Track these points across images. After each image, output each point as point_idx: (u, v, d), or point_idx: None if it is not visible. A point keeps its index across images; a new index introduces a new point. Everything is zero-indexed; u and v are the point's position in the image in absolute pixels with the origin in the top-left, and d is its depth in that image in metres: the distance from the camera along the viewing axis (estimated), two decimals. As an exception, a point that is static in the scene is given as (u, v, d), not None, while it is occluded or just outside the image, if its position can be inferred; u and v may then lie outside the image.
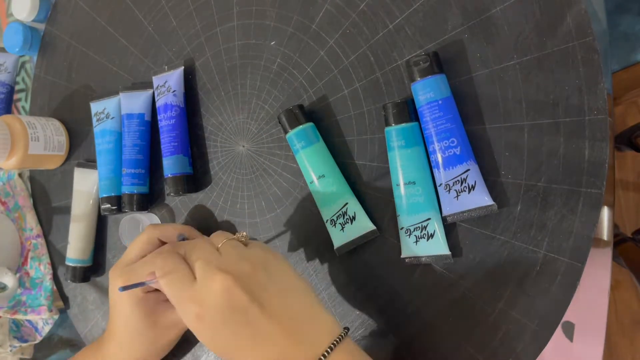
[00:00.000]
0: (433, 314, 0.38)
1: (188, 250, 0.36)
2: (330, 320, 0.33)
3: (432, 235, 0.37)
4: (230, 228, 0.48)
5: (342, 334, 0.32)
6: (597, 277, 0.37)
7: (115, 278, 0.39)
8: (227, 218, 0.48)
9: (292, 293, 0.33)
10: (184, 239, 0.42)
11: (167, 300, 0.41)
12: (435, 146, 0.36)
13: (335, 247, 0.41)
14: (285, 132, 0.42)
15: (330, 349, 0.31)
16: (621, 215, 1.08)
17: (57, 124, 0.58)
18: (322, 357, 0.30)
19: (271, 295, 0.32)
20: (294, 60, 0.45)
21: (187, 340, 0.48)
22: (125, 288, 0.35)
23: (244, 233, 0.37)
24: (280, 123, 0.42)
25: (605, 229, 0.38)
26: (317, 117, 0.43)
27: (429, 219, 0.37)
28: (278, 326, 0.31)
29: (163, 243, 0.42)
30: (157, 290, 0.41)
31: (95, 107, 0.53)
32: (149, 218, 0.51)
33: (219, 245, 0.35)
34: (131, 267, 0.39)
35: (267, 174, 0.46)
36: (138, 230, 0.51)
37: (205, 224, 0.49)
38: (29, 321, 0.62)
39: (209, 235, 0.40)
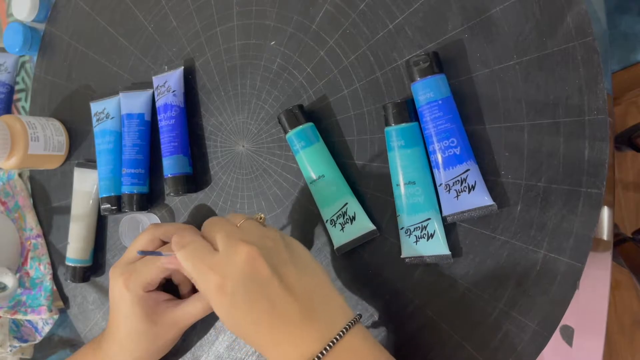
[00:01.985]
0: (433, 313, 0.38)
1: (206, 226, 0.36)
2: (345, 304, 0.34)
3: (432, 235, 0.37)
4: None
5: (356, 317, 0.33)
6: (597, 277, 0.37)
7: (116, 277, 0.39)
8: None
9: (310, 273, 0.33)
10: None
11: (167, 300, 0.41)
12: (435, 146, 0.36)
13: (335, 247, 0.41)
14: (285, 132, 0.42)
15: (346, 330, 0.31)
16: (621, 215, 1.08)
17: (57, 124, 0.58)
18: (336, 337, 0.30)
19: (291, 272, 0.32)
20: (294, 60, 0.45)
21: (187, 341, 0.48)
22: (144, 253, 0.35)
23: (262, 215, 0.37)
24: (280, 123, 0.42)
25: (605, 229, 0.38)
26: (317, 117, 0.43)
27: (429, 219, 0.37)
28: (296, 303, 0.31)
29: (164, 243, 0.42)
30: (157, 289, 0.41)
31: (95, 107, 0.53)
32: (149, 218, 0.51)
33: (239, 224, 0.35)
34: (133, 265, 0.39)
35: (267, 174, 0.46)
36: (138, 230, 0.51)
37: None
38: (29, 321, 0.62)
39: None
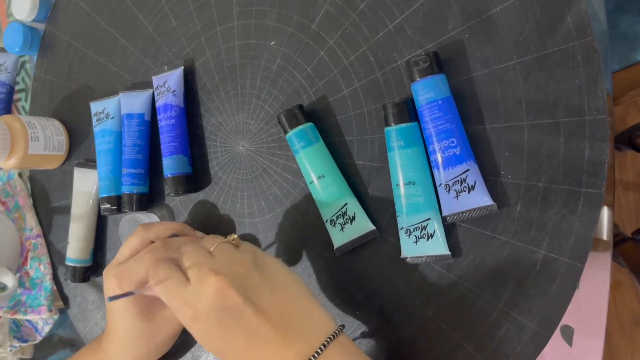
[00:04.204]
0: (433, 313, 0.38)
1: (181, 254, 0.36)
2: (325, 317, 0.33)
3: (432, 235, 0.37)
4: (230, 227, 0.48)
5: (337, 331, 0.32)
6: (597, 276, 0.37)
7: (109, 278, 0.39)
8: (226, 218, 0.48)
9: (285, 292, 0.34)
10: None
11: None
12: (435, 146, 0.36)
13: (335, 247, 0.41)
14: (285, 132, 0.42)
15: (324, 346, 0.31)
16: (621, 215, 1.08)
17: (57, 124, 0.58)
18: (315, 355, 0.31)
19: (264, 295, 0.33)
20: (294, 60, 0.45)
21: (187, 341, 0.48)
22: (113, 298, 0.36)
23: (235, 235, 0.37)
24: (280, 123, 0.42)
25: (605, 229, 0.38)
26: (317, 117, 0.43)
27: (428, 219, 0.37)
28: (271, 325, 0.31)
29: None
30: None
31: (95, 107, 0.53)
32: (148, 218, 0.51)
33: (211, 249, 0.35)
34: (125, 265, 0.39)
35: (267, 174, 0.46)
36: (138, 230, 0.51)
37: (205, 224, 0.49)
38: (29, 321, 0.62)
39: (205, 232, 0.40)
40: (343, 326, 0.33)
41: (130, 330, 0.40)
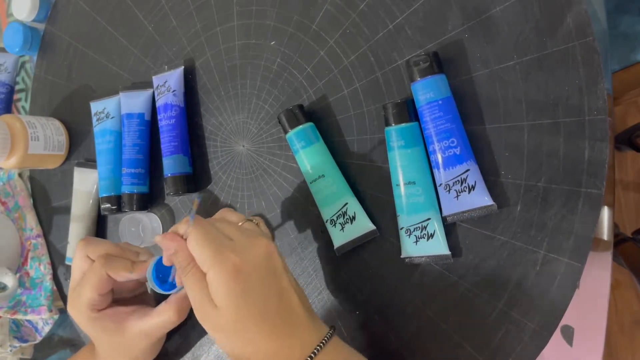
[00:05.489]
0: (433, 313, 0.38)
1: (215, 220, 0.36)
2: (317, 322, 0.35)
3: (432, 235, 0.37)
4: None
5: (328, 335, 0.33)
6: (597, 277, 0.37)
7: (69, 302, 0.39)
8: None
9: (297, 287, 0.35)
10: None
11: (132, 311, 0.40)
12: (435, 146, 0.36)
13: (335, 247, 0.41)
14: (285, 132, 0.42)
15: (326, 340, 0.33)
16: (621, 215, 1.08)
17: (57, 123, 0.58)
18: (327, 338, 0.33)
19: (290, 277, 0.35)
20: (294, 60, 0.45)
21: (187, 341, 0.48)
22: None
23: (258, 218, 0.39)
24: (280, 123, 0.42)
25: (605, 229, 0.38)
26: (317, 117, 0.43)
27: (429, 219, 0.37)
28: (300, 304, 0.33)
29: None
30: (113, 305, 0.40)
31: (95, 106, 0.53)
32: (148, 218, 0.51)
33: (240, 224, 0.36)
34: (77, 287, 0.39)
35: (267, 174, 0.46)
36: (138, 230, 0.51)
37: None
38: (29, 321, 0.62)
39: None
40: (334, 327, 0.35)
41: (105, 344, 0.40)
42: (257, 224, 0.38)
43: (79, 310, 0.38)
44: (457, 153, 0.35)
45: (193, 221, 0.33)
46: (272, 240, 0.35)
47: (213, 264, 0.31)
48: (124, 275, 0.38)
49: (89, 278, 0.38)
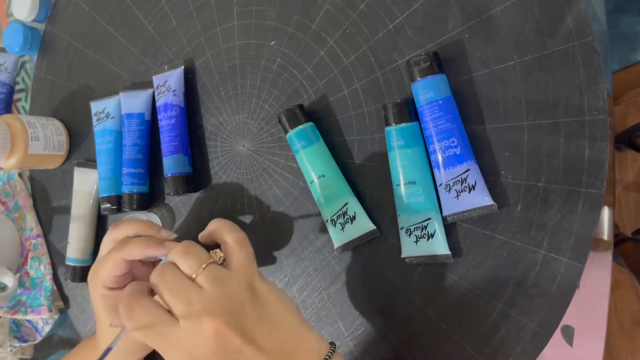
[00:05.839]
0: (433, 314, 0.38)
1: (158, 281, 0.32)
2: (316, 339, 0.32)
3: (432, 235, 0.37)
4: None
5: (329, 353, 0.32)
6: (597, 277, 0.37)
7: (88, 276, 0.40)
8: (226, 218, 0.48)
9: (281, 323, 0.32)
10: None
11: None
12: (436, 146, 0.36)
13: (335, 247, 0.41)
14: (285, 132, 0.42)
15: None
16: (621, 215, 1.08)
17: (57, 123, 0.58)
18: None
19: (262, 331, 0.31)
20: (294, 60, 0.45)
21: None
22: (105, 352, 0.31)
23: (219, 251, 0.34)
24: (280, 123, 0.42)
25: (605, 229, 0.38)
26: (317, 117, 0.43)
27: (429, 218, 0.37)
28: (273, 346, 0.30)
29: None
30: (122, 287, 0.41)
31: (95, 106, 0.53)
32: (148, 217, 0.51)
33: (194, 276, 0.31)
34: (97, 262, 0.40)
35: (267, 174, 0.46)
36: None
37: (205, 224, 0.49)
38: (29, 321, 0.62)
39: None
40: (334, 345, 0.33)
41: (104, 327, 0.40)
42: (219, 259, 0.33)
43: (94, 284, 0.39)
44: (457, 153, 0.35)
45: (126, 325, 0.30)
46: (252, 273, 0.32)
47: (165, 356, 0.31)
48: (137, 255, 0.38)
49: (106, 259, 0.39)
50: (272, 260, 0.45)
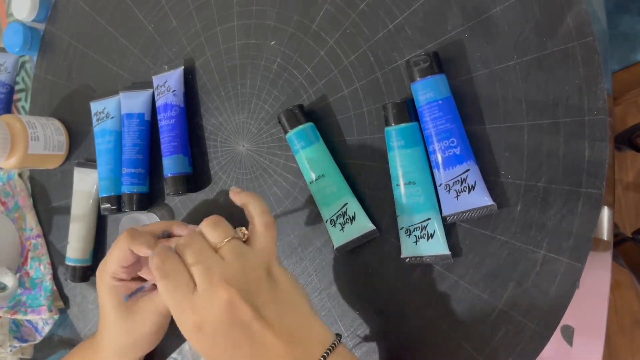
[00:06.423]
0: (433, 314, 0.38)
1: (184, 248, 0.33)
2: (323, 329, 0.33)
3: (432, 235, 0.37)
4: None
5: (335, 343, 0.32)
6: (597, 277, 0.37)
7: (97, 271, 0.41)
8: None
9: (292, 307, 0.33)
10: (168, 236, 0.41)
11: (150, 288, 0.40)
12: (435, 146, 0.36)
13: (335, 247, 0.41)
14: (285, 132, 0.42)
15: (324, 358, 0.31)
16: (621, 215, 1.08)
17: (57, 123, 0.58)
18: None
19: (273, 310, 0.31)
20: (294, 60, 0.45)
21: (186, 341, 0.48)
22: (130, 296, 0.35)
23: (244, 229, 0.35)
24: (280, 123, 0.42)
25: (605, 229, 0.38)
26: (317, 117, 0.43)
27: (429, 219, 0.37)
28: (278, 340, 0.31)
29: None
30: (130, 279, 0.41)
31: (95, 106, 0.53)
32: (148, 218, 0.51)
33: (219, 247, 0.33)
34: (105, 257, 0.40)
35: (267, 174, 0.46)
36: (138, 230, 0.51)
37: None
38: (29, 321, 0.62)
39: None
40: (340, 336, 0.33)
41: (109, 321, 0.40)
42: (244, 237, 0.35)
43: (101, 275, 0.40)
44: (457, 153, 0.35)
45: (156, 255, 0.33)
46: (272, 253, 0.34)
47: (175, 318, 0.32)
48: (145, 252, 0.38)
49: (114, 250, 0.39)
50: (272, 260, 0.45)
